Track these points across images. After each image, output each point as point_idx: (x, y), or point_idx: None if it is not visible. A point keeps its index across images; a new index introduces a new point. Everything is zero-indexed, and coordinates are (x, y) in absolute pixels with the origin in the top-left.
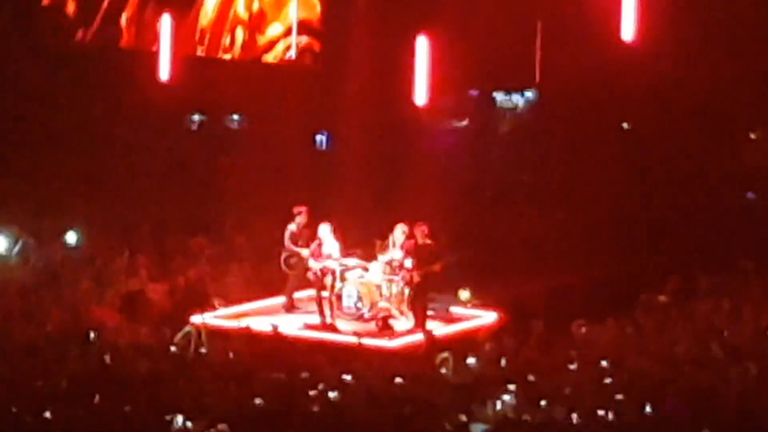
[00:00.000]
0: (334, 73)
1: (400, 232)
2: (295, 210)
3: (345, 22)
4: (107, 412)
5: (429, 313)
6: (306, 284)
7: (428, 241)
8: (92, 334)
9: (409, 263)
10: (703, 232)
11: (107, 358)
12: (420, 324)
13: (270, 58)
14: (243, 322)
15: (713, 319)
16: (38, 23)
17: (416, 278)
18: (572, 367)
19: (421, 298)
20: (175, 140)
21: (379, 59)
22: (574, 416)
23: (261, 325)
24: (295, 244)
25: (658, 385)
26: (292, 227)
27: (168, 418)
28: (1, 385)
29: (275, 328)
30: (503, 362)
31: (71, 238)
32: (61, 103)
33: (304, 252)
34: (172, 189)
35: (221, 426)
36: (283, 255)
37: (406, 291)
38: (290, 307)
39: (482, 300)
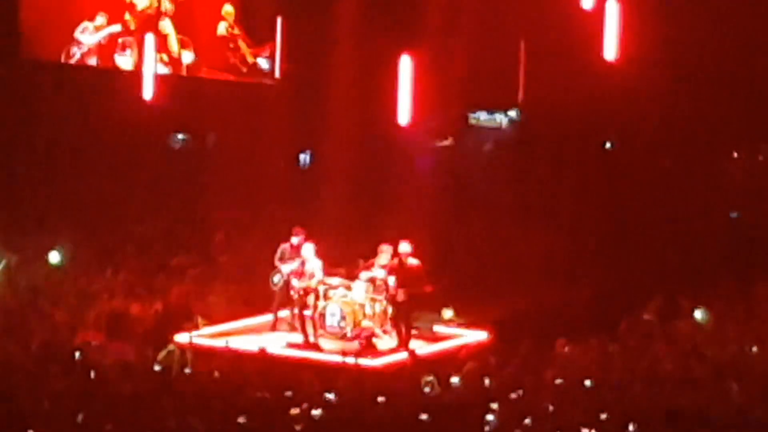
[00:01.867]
0: (317, 92)
1: (385, 252)
2: (294, 230)
3: (329, 41)
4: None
5: (412, 332)
6: (290, 302)
7: (413, 260)
8: (76, 353)
9: (392, 281)
10: (686, 252)
11: (91, 377)
12: (404, 343)
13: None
14: (226, 342)
15: (696, 339)
16: (20, 41)
17: (400, 297)
18: (556, 385)
19: (405, 317)
20: (158, 159)
21: (363, 78)
22: None
23: (245, 344)
24: (283, 262)
25: (642, 404)
26: (285, 246)
27: None
28: None
29: (262, 349)
30: (486, 381)
31: (54, 257)
32: (44, 122)
33: (284, 268)
34: (155, 208)
35: None
36: (273, 273)
37: (389, 310)
38: (275, 326)
39: (466, 319)
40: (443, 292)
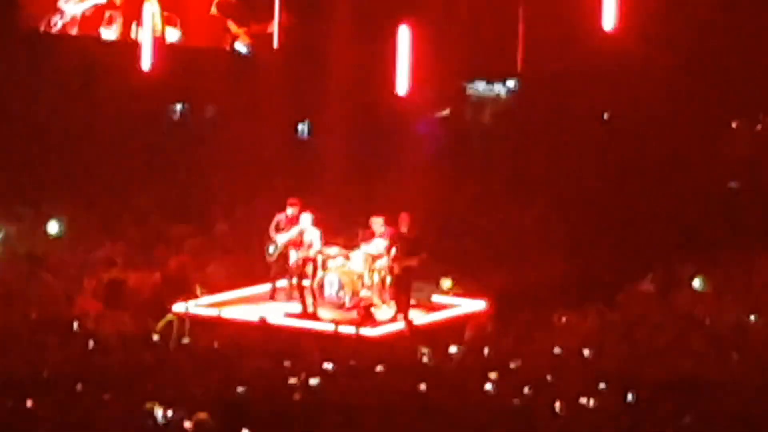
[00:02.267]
0: (316, 62)
1: (378, 224)
2: (289, 201)
3: (328, 11)
4: (89, 401)
5: (411, 301)
6: (287, 272)
7: (407, 231)
8: (74, 323)
9: (392, 252)
10: (685, 222)
11: (89, 347)
12: (402, 312)
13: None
14: (225, 311)
15: (695, 308)
16: (17, 12)
17: (397, 268)
18: (554, 354)
19: (404, 288)
20: (157, 130)
21: (361, 49)
22: (557, 404)
23: (243, 314)
24: (278, 233)
25: (640, 374)
26: (280, 216)
27: (148, 406)
28: None
29: (263, 319)
30: (485, 351)
31: (53, 227)
32: (42, 92)
33: (279, 238)
34: (154, 178)
35: (201, 414)
36: (268, 243)
37: (388, 280)
38: (273, 296)
39: (464, 289)
40: (441, 262)
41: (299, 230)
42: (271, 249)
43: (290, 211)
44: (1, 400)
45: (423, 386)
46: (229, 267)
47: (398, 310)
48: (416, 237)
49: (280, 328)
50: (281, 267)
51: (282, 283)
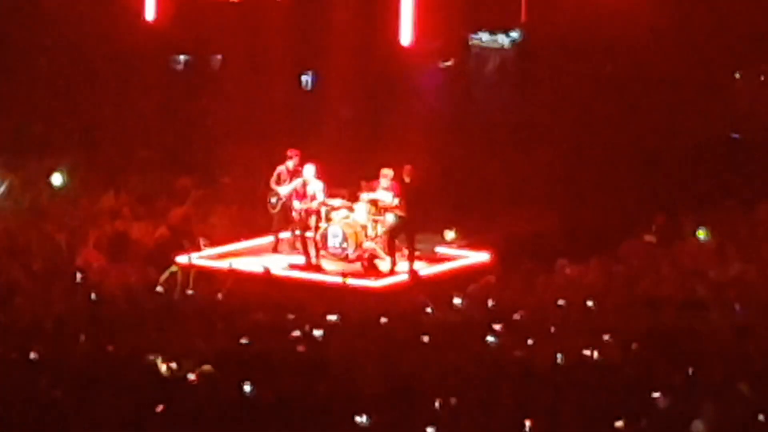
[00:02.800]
0: (320, 13)
1: (387, 176)
2: (288, 152)
3: None
4: (92, 352)
5: (415, 253)
6: (290, 224)
7: (410, 182)
8: (78, 275)
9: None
10: (688, 173)
11: (92, 298)
12: (393, 265)
13: None
14: (228, 263)
15: (698, 259)
16: None
17: (390, 218)
18: (558, 306)
19: (393, 237)
20: (160, 81)
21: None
22: (560, 356)
23: (247, 265)
24: (279, 185)
25: (643, 325)
26: (281, 168)
27: (152, 357)
28: None
29: (267, 270)
30: (489, 302)
31: (57, 179)
32: (45, 43)
33: (282, 190)
34: (157, 130)
35: (206, 366)
36: (270, 195)
37: (380, 230)
38: (276, 248)
39: (468, 240)
40: (445, 213)
41: (302, 181)
42: (273, 200)
43: (290, 162)
44: (5, 352)
45: (426, 338)
46: (233, 218)
47: (390, 262)
48: (419, 187)
49: (284, 280)
50: (284, 219)
51: (285, 234)
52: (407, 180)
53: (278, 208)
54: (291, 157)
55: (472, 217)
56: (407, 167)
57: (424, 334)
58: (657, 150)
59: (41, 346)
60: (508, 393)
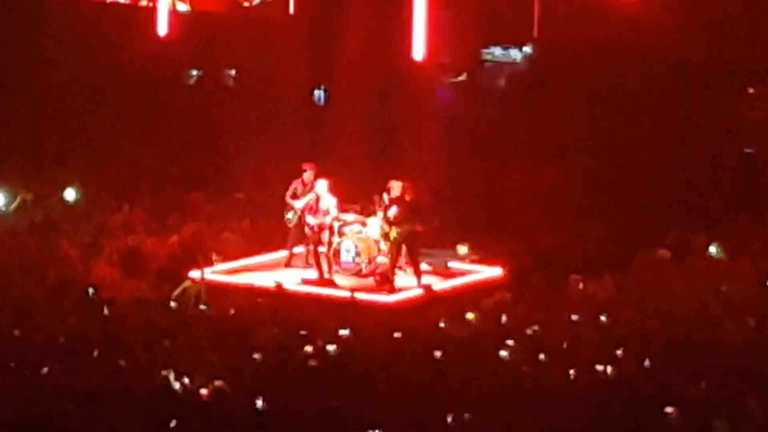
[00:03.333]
0: (332, 28)
1: (396, 189)
2: (304, 166)
3: None
4: (105, 368)
5: (427, 268)
6: (305, 239)
7: (410, 199)
8: (91, 290)
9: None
10: (701, 188)
11: (105, 314)
12: (391, 280)
13: None
14: (242, 278)
15: (711, 274)
16: None
17: (393, 234)
18: (571, 321)
19: (395, 254)
20: (173, 95)
21: (378, 14)
22: (573, 371)
23: (260, 280)
24: (295, 199)
25: (657, 340)
26: (296, 182)
27: (164, 373)
28: None
29: (279, 284)
30: (502, 317)
31: (70, 194)
32: (59, 58)
33: (297, 204)
34: (170, 144)
35: (218, 383)
36: (286, 210)
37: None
38: (290, 262)
39: (481, 255)
40: (458, 228)
41: (315, 196)
42: (289, 215)
43: (306, 175)
44: (18, 367)
45: (439, 353)
46: (246, 233)
47: (390, 275)
48: (416, 205)
49: (297, 295)
50: (299, 233)
51: (299, 249)
52: (407, 198)
53: (294, 221)
54: (306, 170)
55: (485, 232)
56: (407, 184)
57: (437, 349)
58: (670, 165)
59: (54, 361)
60: (521, 408)
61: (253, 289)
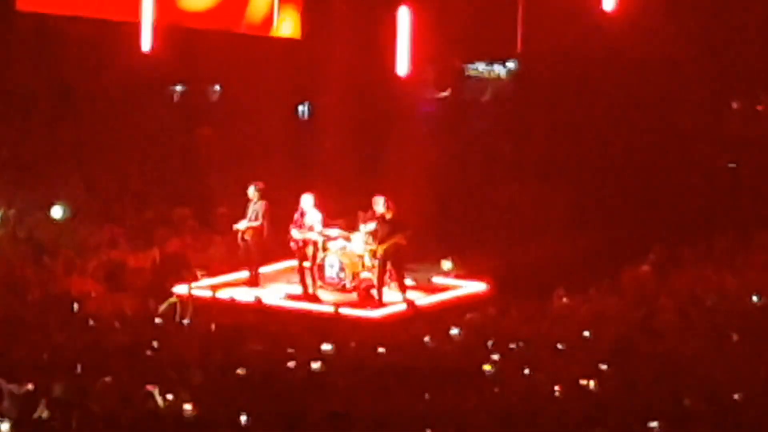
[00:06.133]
0: (315, 43)
1: (379, 204)
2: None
3: None
4: (89, 383)
5: (411, 283)
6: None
7: (390, 215)
8: (75, 305)
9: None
10: (685, 202)
11: (89, 329)
12: (380, 296)
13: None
14: (225, 293)
15: (696, 289)
16: None
17: (379, 251)
18: (555, 336)
19: (382, 271)
20: (156, 111)
21: (361, 30)
22: (557, 386)
23: (243, 295)
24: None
25: (641, 355)
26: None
27: (149, 388)
28: None
29: (258, 299)
30: (486, 332)
31: (57, 212)
32: (43, 73)
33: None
34: (154, 160)
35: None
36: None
37: (368, 261)
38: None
39: (464, 270)
40: (442, 243)
41: (300, 211)
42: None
43: (251, 191)
44: (2, 383)
45: (423, 368)
46: (230, 248)
47: (378, 290)
48: (396, 220)
49: (280, 310)
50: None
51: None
52: (387, 214)
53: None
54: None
55: (468, 247)
56: (387, 201)
57: (421, 364)
58: (653, 180)
59: (38, 377)
60: (505, 424)
61: (236, 304)
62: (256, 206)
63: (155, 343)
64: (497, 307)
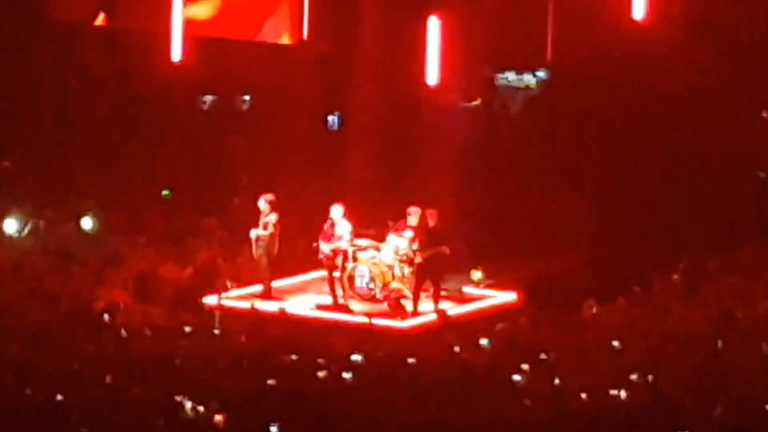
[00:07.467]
0: (346, 53)
1: (413, 215)
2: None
3: (357, 2)
4: (118, 394)
5: (442, 293)
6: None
7: (434, 225)
8: (105, 316)
9: (414, 245)
10: (714, 212)
11: (119, 339)
12: (415, 306)
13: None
14: (254, 304)
15: (725, 299)
16: (49, 3)
17: (418, 259)
18: (585, 346)
19: (421, 280)
20: (187, 121)
21: (391, 40)
22: (586, 396)
23: (271, 306)
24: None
25: (671, 365)
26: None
27: (179, 399)
28: (13, 367)
29: (282, 310)
30: (516, 342)
31: (87, 223)
32: (73, 84)
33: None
34: (184, 170)
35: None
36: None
37: (406, 270)
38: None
39: (495, 280)
40: (472, 253)
41: (330, 222)
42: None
43: (262, 203)
44: (32, 393)
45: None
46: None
47: (414, 303)
48: (440, 231)
49: (310, 320)
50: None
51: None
52: (431, 223)
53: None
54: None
55: (499, 257)
56: (430, 210)
57: (452, 374)
58: (683, 189)
59: (68, 388)
60: None
61: (263, 314)
62: (267, 219)
63: (185, 354)
64: (527, 317)
